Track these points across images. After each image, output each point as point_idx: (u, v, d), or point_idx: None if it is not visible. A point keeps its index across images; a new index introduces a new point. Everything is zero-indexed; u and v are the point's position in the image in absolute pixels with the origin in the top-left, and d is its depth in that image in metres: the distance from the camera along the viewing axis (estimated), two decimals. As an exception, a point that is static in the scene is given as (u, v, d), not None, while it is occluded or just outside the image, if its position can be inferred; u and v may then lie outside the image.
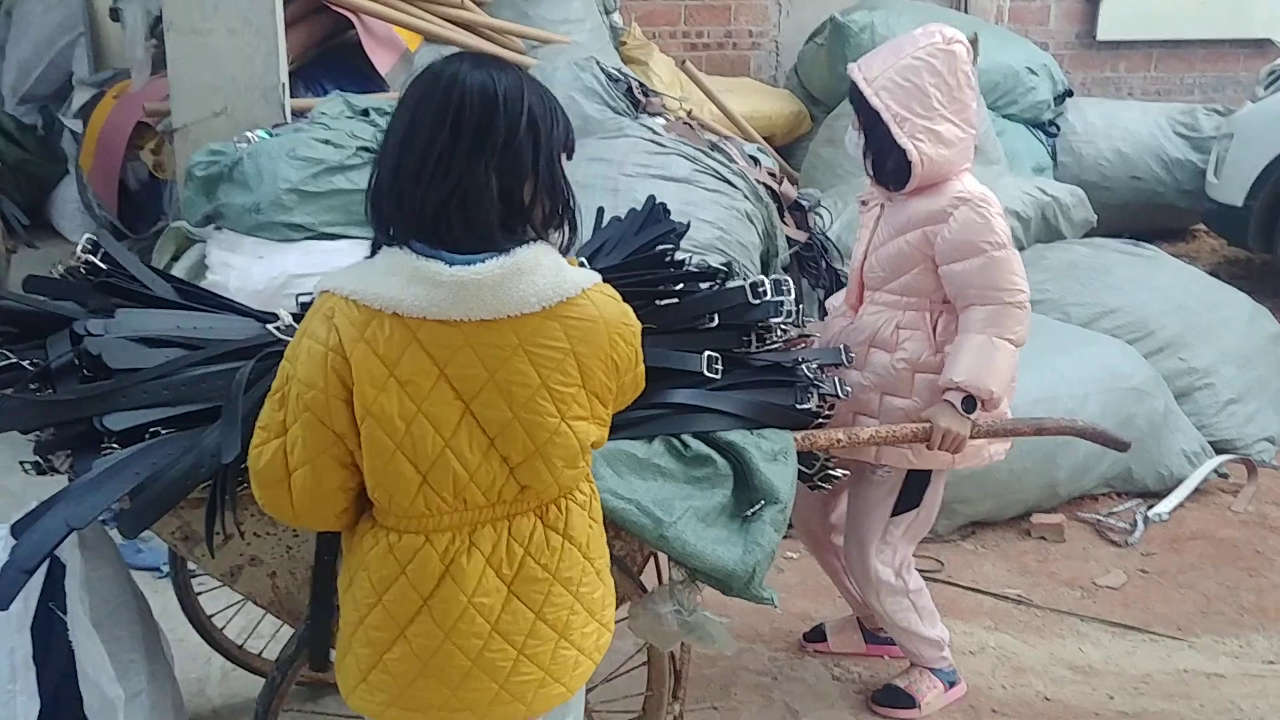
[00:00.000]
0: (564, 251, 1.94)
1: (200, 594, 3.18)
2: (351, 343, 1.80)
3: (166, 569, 3.26)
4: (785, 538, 4.15)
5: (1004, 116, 7.48)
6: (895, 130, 2.93)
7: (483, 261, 1.81)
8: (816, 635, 3.62)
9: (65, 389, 2.23)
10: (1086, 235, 6.16)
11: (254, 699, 2.43)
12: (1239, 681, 3.54)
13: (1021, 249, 5.77)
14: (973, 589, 3.98)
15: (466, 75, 1.81)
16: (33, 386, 2.24)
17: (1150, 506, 4.52)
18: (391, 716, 1.98)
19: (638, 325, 1.99)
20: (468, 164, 1.79)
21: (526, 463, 1.89)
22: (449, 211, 1.80)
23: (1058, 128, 7.81)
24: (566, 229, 1.94)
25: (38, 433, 2.23)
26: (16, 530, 2.07)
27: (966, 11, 8.66)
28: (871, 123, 2.99)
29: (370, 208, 1.89)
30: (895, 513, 3.14)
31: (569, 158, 1.92)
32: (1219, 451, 4.83)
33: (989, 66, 7.13)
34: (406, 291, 1.80)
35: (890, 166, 3.01)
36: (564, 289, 1.86)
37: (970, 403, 2.86)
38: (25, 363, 2.28)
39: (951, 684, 3.36)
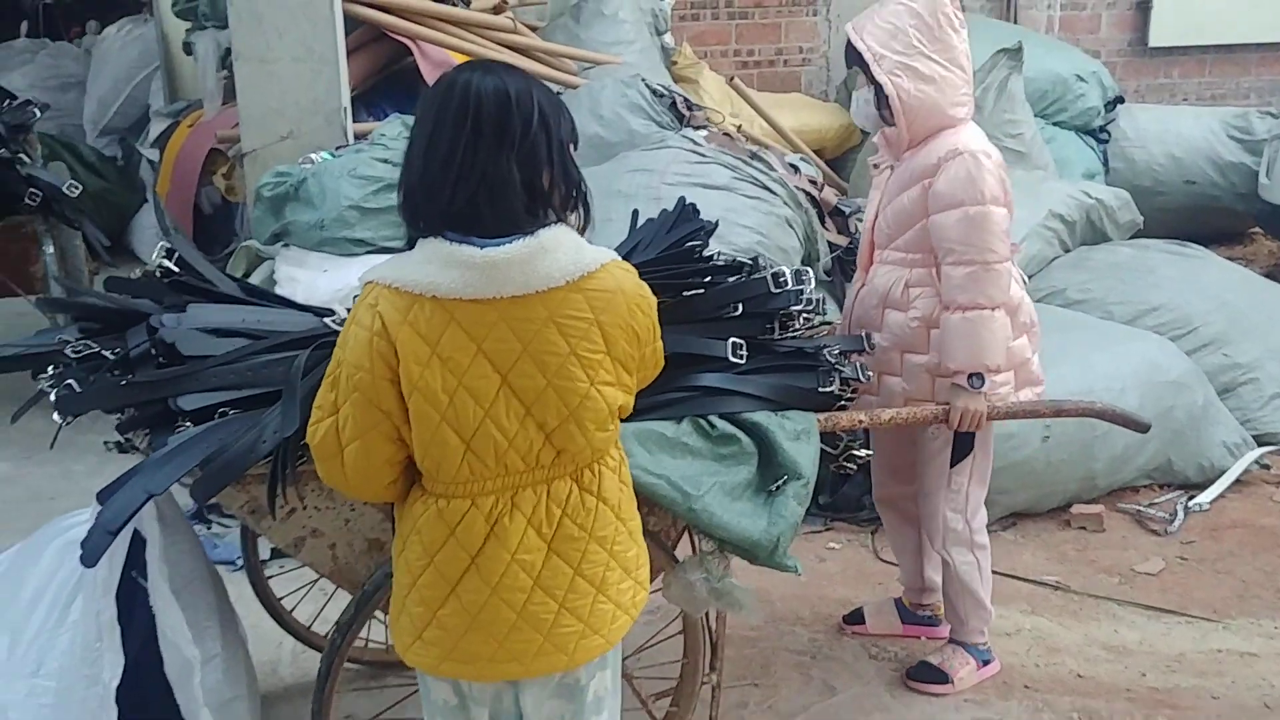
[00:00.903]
0: (580, 231, 2.12)
1: (271, 578, 3.41)
2: (395, 326, 1.99)
3: (241, 562, 3.50)
4: (826, 530, 4.37)
5: (1054, 124, 7.52)
6: (874, 69, 3.06)
7: (510, 243, 2.00)
8: (855, 618, 3.74)
9: (143, 374, 2.47)
10: (1133, 237, 6.20)
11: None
12: (1272, 660, 3.61)
13: (1067, 251, 5.90)
14: (1010, 575, 4.07)
15: (479, 81, 2.00)
16: (115, 373, 2.48)
17: (1191, 497, 4.59)
18: (445, 670, 2.16)
19: (653, 298, 2.17)
20: (491, 159, 1.98)
21: (561, 427, 2.06)
22: (478, 202, 1.99)
23: (1109, 134, 7.82)
24: (582, 210, 2.12)
25: (119, 415, 2.46)
26: (101, 497, 2.30)
27: (1016, 22, 8.72)
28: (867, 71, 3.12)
29: (403, 207, 2.08)
30: (953, 463, 3.26)
31: (575, 148, 2.11)
32: (1264, 445, 4.87)
33: (1037, 75, 7.20)
34: (443, 275, 1.98)
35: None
36: (585, 264, 2.04)
37: (977, 378, 3.00)
38: (107, 352, 2.52)
39: (985, 663, 3.48)
